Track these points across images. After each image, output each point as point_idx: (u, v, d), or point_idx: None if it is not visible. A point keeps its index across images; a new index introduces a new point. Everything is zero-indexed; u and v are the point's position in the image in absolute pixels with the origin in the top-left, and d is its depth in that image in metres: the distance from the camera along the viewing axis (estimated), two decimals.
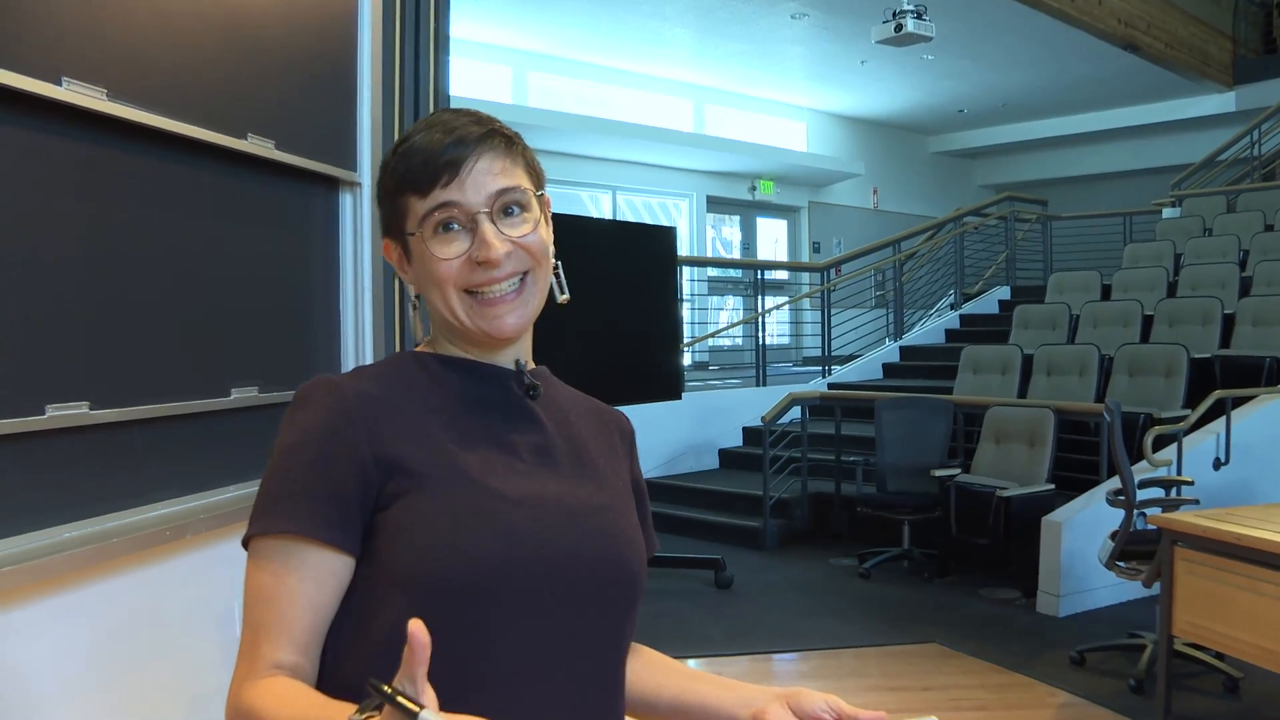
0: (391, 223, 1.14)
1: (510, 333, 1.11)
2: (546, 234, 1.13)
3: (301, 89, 3.50)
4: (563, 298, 1.16)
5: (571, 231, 5.86)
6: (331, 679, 1.02)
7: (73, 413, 2.47)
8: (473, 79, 10.27)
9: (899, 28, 7.57)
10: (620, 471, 1.22)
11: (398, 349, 4.57)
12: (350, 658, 1.03)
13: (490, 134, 1.11)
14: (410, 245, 1.11)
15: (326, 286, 3.76)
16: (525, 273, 1.11)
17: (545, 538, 1.03)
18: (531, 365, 1.21)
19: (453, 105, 4.93)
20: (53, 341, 2.41)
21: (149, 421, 2.71)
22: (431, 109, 4.78)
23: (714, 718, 1.20)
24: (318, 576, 1.01)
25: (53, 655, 2.24)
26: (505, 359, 1.16)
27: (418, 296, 1.16)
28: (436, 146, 1.08)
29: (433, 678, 0.87)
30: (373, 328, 3.94)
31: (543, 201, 1.15)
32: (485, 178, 1.08)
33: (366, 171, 3.94)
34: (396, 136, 4.65)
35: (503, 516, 1.03)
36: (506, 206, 1.09)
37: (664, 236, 6.13)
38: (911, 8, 7.58)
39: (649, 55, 11.50)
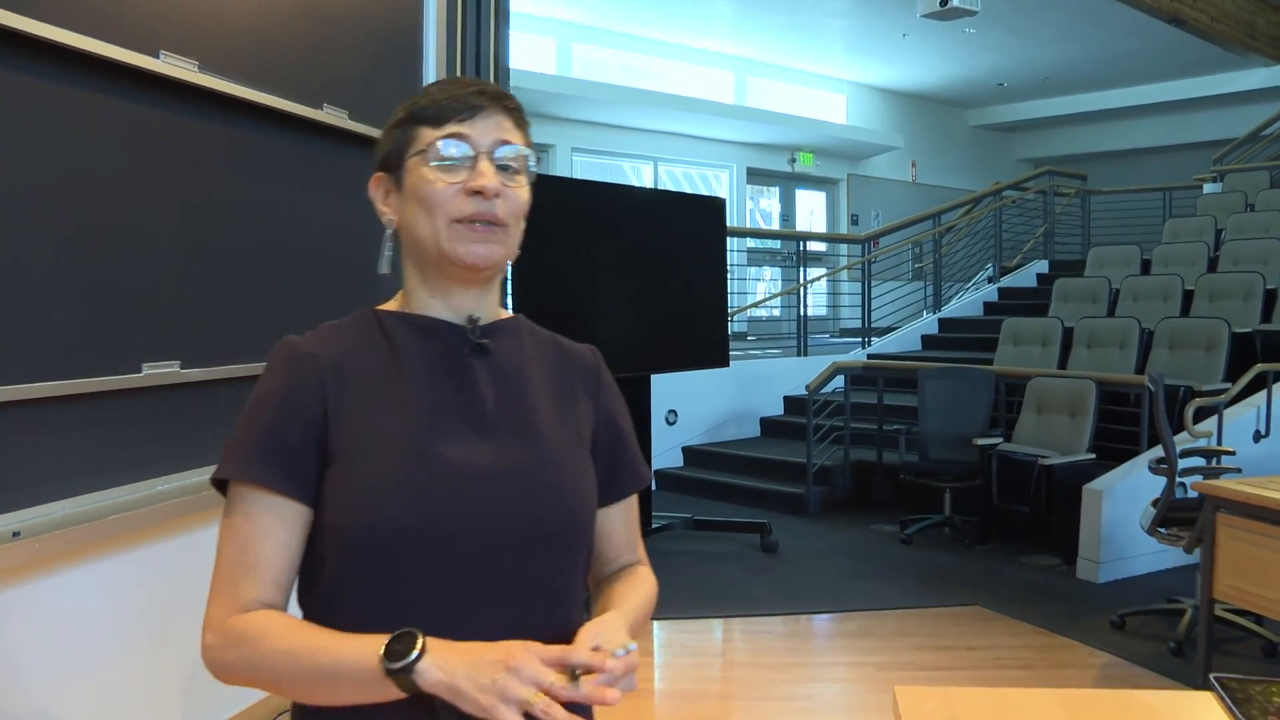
0: (392, 153, 1.21)
1: (483, 263, 1.17)
2: (528, 199, 1.21)
3: (372, 62, 3.63)
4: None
5: (622, 200, 5.98)
6: None
7: (165, 371, 2.62)
8: (517, 50, 10.33)
9: (944, 1, 7.58)
10: (574, 417, 1.27)
11: None
12: (305, 603, 1.16)
13: (508, 98, 1.21)
14: (406, 171, 1.19)
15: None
16: (506, 222, 1.18)
17: (459, 501, 1.11)
18: (504, 315, 1.28)
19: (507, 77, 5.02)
20: (147, 305, 2.56)
21: (233, 381, 2.86)
22: (493, 81, 4.90)
23: None
24: (282, 521, 1.11)
25: (163, 590, 2.41)
26: (465, 310, 1.22)
27: (395, 233, 1.22)
28: (460, 91, 1.18)
29: (363, 628, 1.05)
30: None
31: (530, 174, 1.22)
32: (495, 129, 1.18)
33: None
34: None
35: (421, 482, 1.11)
36: (505, 162, 1.17)
37: (714, 207, 6.23)
38: None
39: (691, 27, 11.54)
